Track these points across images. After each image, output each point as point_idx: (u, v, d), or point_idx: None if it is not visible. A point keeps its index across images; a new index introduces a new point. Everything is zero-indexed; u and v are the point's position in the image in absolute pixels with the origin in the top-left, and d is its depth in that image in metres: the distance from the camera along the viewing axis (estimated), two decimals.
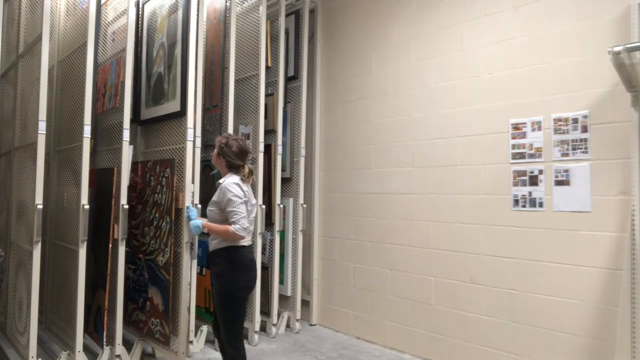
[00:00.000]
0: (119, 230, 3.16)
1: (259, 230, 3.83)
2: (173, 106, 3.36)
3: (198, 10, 3.64)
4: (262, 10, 3.92)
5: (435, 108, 3.51)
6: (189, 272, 3.25)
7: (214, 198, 2.62)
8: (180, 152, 3.28)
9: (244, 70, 4.10)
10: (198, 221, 2.71)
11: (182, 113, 3.28)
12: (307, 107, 4.32)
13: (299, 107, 4.28)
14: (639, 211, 2.47)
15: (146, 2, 3.80)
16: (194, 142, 3.31)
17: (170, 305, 3.21)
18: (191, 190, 3.23)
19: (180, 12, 3.34)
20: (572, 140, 2.80)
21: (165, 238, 3.30)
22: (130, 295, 3.58)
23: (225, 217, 2.57)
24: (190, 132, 3.23)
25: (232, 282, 2.56)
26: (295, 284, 4.22)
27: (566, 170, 2.82)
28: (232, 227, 2.51)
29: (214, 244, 2.65)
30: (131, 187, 3.50)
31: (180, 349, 3.14)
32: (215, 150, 2.70)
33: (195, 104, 3.39)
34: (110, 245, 3.16)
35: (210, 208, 2.64)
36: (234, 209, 2.52)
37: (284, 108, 4.20)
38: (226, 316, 2.57)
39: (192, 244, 3.54)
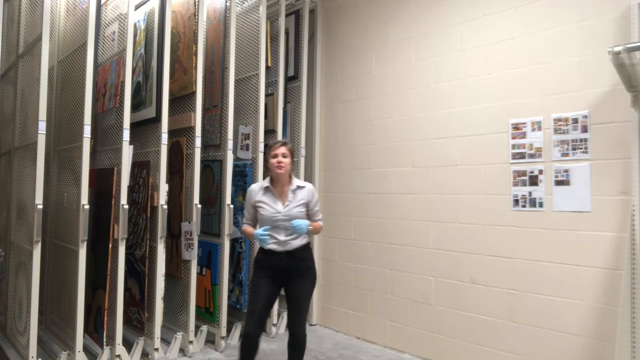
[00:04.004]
0: (119, 230, 3.17)
1: None
2: (149, 112, 3.58)
3: (198, 12, 3.65)
4: (262, 10, 3.92)
5: (435, 108, 3.51)
6: (163, 264, 3.46)
7: (303, 200, 2.75)
8: (156, 154, 3.47)
9: (244, 70, 4.10)
10: (307, 222, 2.71)
11: (157, 119, 3.49)
12: (307, 107, 4.32)
13: (299, 107, 4.28)
14: (639, 211, 2.47)
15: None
16: (196, 144, 3.30)
17: (146, 295, 3.44)
18: (165, 189, 3.45)
19: (156, 29, 3.57)
20: (572, 140, 2.80)
21: (142, 233, 3.52)
22: None
23: (305, 215, 2.77)
24: (164, 136, 3.44)
25: (315, 272, 2.83)
26: None
27: (566, 170, 2.82)
28: (321, 222, 2.86)
29: (297, 242, 2.72)
30: None
31: (155, 334, 3.37)
32: (289, 158, 2.76)
33: (195, 106, 3.51)
34: (110, 245, 3.16)
35: (300, 210, 2.73)
36: (319, 208, 2.86)
37: (284, 108, 4.20)
38: (308, 304, 2.83)
39: (191, 244, 3.55)
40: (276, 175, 2.75)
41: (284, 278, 2.71)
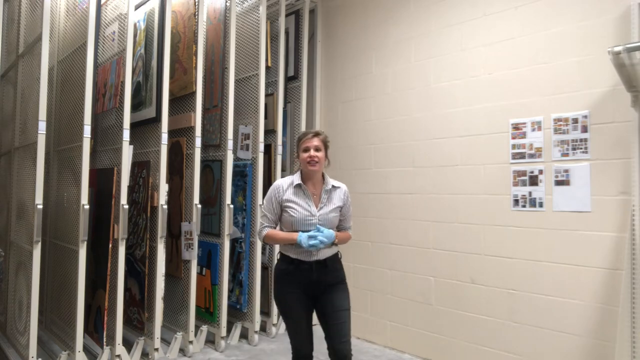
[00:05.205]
0: (119, 230, 3.17)
1: (258, 230, 3.83)
2: (149, 112, 3.58)
3: (198, 12, 3.65)
4: (262, 10, 3.92)
5: (435, 108, 3.51)
6: (163, 264, 3.45)
7: (338, 203, 2.39)
8: (156, 154, 3.47)
9: (244, 70, 4.10)
10: (332, 232, 2.31)
11: (157, 119, 3.49)
12: (307, 107, 4.32)
13: (299, 107, 4.28)
14: (639, 211, 2.47)
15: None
16: (194, 144, 3.29)
17: (146, 295, 3.44)
18: (165, 189, 3.46)
19: (156, 29, 3.57)
20: (572, 140, 2.80)
21: (142, 233, 3.51)
22: None
23: (337, 221, 2.42)
24: (164, 136, 3.43)
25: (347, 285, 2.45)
26: None
27: (566, 170, 2.82)
28: (351, 231, 2.51)
29: (328, 250, 2.34)
30: None
31: (155, 334, 3.36)
32: (323, 152, 2.38)
33: (195, 106, 3.55)
34: (110, 245, 3.16)
35: (334, 214, 2.37)
36: (352, 214, 2.51)
37: (284, 108, 4.20)
38: (350, 319, 2.37)
39: (191, 244, 3.55)
40: (308, 172, 2.36)
41: (315, 292, 2.32)
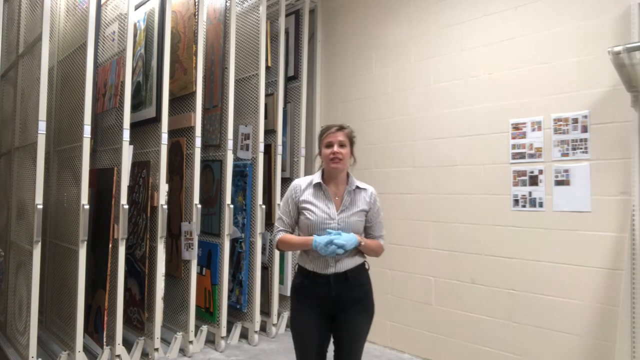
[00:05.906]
0: (119, 230, 3.17)
1: (258, 231, 3.84)
2: (149, 112, 3.58)
3: (198, 12, 3.65)
4: (262, 10, 3.92)
5: (435, 108, 3.51)
6: (163, 264, 3.45)
7: (363, 207, 2.13)
8: (156, 154, 3.48)
9: (244, 70, 4.10)
10: (353, 235, 2.04)
11: (157, 119, 3.49)
12: (307, 107, 4.32)
13: (299, 107, 4.28)
14: (639, 211, 2.47)
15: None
16: (194, 143, 3.29)
17: (146, 295, 3.44)
18: (165, 189, 3.47)
19: (156, 29, 3.58)
20: (572, 140, 2.80)
21: (142, 233, 3.52)
22: None
23: (361, 227, 2.14)
24: (164, 136, 3.43)
25: (373, 302, 2.17)
26: None
27: (566, 170, 2.82)
28: (382, 241, 2.19)
29: (350, 260, 2.07)
30: None
31: (155, 334, 3.37)
32: (349, 148, 2.12)
33: (195, 106, 3.56)
34: (110, 245, 3.16)
35: (357, 218, 2.10)
36: (383, 221, 2.21)
37: (284, 108, 4.20)
38: (363, 346, 2.19)
39: (191, 244, 3.55)
40: (330, 170, 2.11)
41: (333, 309, 2.06)
